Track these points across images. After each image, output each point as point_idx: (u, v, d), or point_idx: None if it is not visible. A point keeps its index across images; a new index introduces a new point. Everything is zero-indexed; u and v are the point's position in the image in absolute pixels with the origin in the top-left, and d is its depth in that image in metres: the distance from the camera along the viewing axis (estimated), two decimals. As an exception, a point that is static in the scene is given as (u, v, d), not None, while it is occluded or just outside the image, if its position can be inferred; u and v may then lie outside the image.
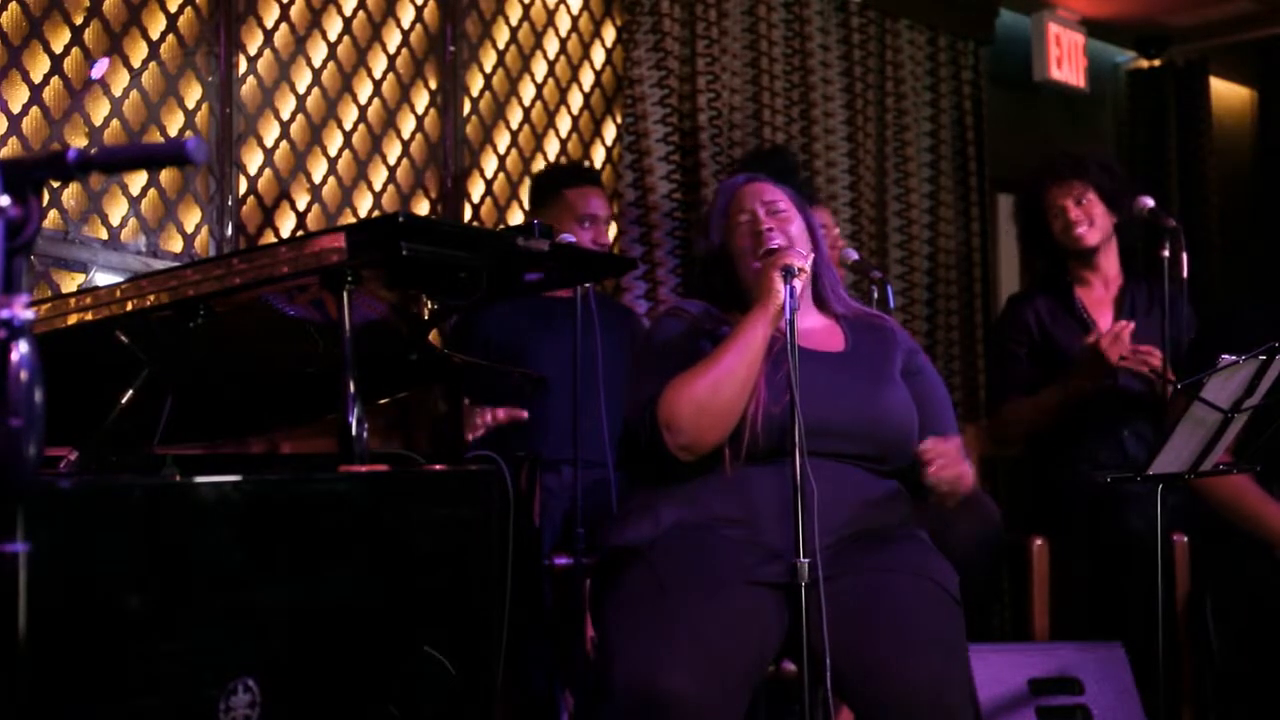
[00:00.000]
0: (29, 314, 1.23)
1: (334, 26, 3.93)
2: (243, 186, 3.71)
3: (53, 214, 3.35)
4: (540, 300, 3.57)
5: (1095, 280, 3.81)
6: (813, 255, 2.61)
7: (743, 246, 2.60)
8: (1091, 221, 3.72)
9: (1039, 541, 3.62)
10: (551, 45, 4.47)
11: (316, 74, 3.87)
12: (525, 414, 3.34)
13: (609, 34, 4.63)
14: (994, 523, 3.34)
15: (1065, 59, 5.95)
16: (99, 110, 3.43)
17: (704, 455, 2.46)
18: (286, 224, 3.81)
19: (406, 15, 4.10)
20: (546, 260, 2.33)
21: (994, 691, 3.06)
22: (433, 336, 3.29)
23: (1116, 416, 3.69)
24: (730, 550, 2.40)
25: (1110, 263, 3.81)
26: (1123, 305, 3.77)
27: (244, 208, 3.72)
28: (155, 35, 3.54)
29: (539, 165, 4.38)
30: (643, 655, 2.24)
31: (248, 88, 3.73)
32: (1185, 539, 3.52)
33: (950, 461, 2.42)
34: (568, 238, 3.28)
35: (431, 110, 4.15)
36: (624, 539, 2.50)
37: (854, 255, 3.84)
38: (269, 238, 3.74)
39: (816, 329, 2.65)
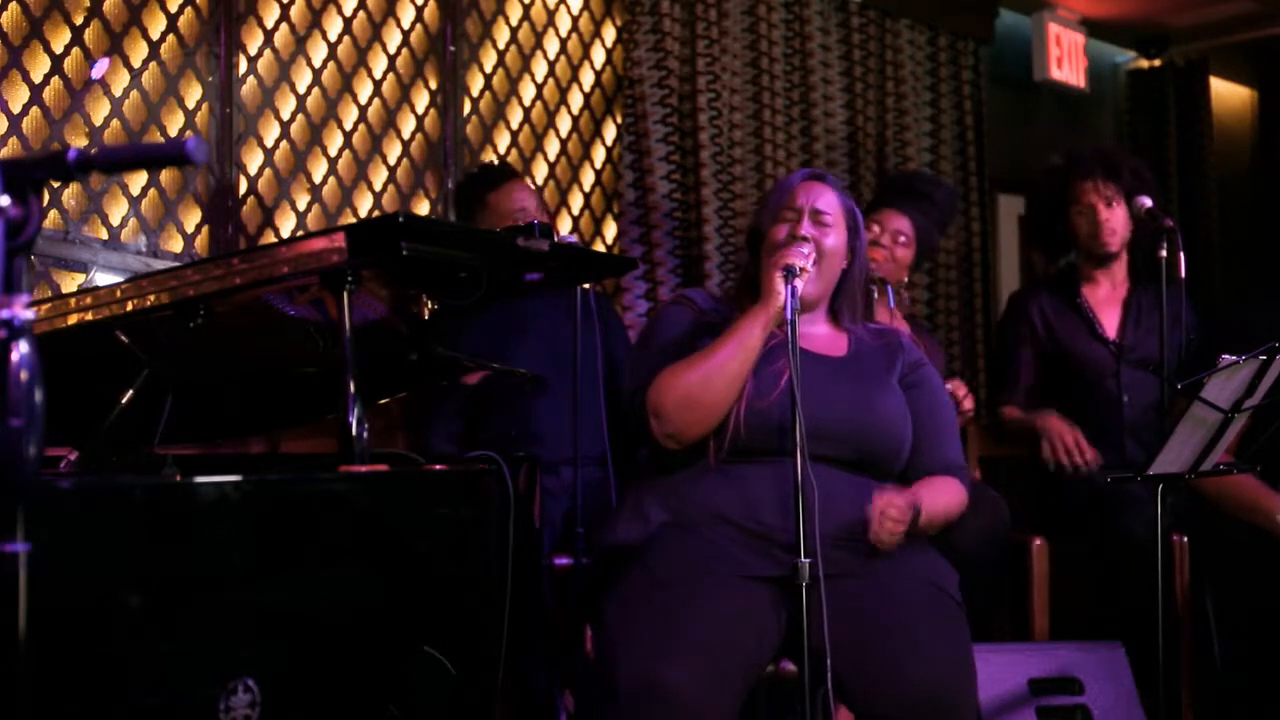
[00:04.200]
0: (29, 314, 1.23)
1: (334, 26, 3.93)
2: (243, 186, 3.71)
3: (53, 214, 3.35)
4: (514, 305, 3.56)
5: (1104, 280, 3.81)
6: (835, 270, 2.60)
7: (774, 242, 2.58)
8: (1116, 229, 3.71)
9: (1039, 542, 3.62)
10: (552, 45, 4.47)
11: (316, 74, 3.87)
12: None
13: (609, 34, 4.63)
14: (1002, 519, 3.34)
15: (1065, 59, 5.95)
16: (99, 110, 3.43)
17: (690, 445, 2.47)
18: (287, 224, 3.81)
19: (406, 15, 4.10)
20: (546, 260, 2.34)
21: (994, 691, 3.05)
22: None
23: (1117, 419, 3.69)
24: (725, 548, 2.40)
25: (1121, 265, 3.81)
26: (1130, 309, 3.76)
27: (244, 208, 3.72)
28: (155, 35, 3.54)
29: (539, 165, 4.39)
30: (642, 652, 2.24)
31: (248, 88, 3.73)
32: (1185, 539, 3.52)
33: (892, 521, 2.39)
34: (569, 238, 3.28)
35: (432, 110, 4.15)
36: (616, 538, 2.51)
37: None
38: (269, 238, 3.74)
39: (820, 334, 2.65)
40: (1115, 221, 3.71)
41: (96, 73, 3.42)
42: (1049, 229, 3.88)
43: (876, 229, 3.74)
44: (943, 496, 2.55)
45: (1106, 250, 3.73)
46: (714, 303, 2.68)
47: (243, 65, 3.71)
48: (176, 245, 3.58)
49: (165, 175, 3.55)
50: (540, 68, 4.43)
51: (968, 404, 3.43)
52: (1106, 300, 3.80)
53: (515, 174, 3.84)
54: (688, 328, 2.60)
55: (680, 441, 2.47)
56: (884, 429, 2.54)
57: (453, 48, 4.19)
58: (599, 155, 4.58)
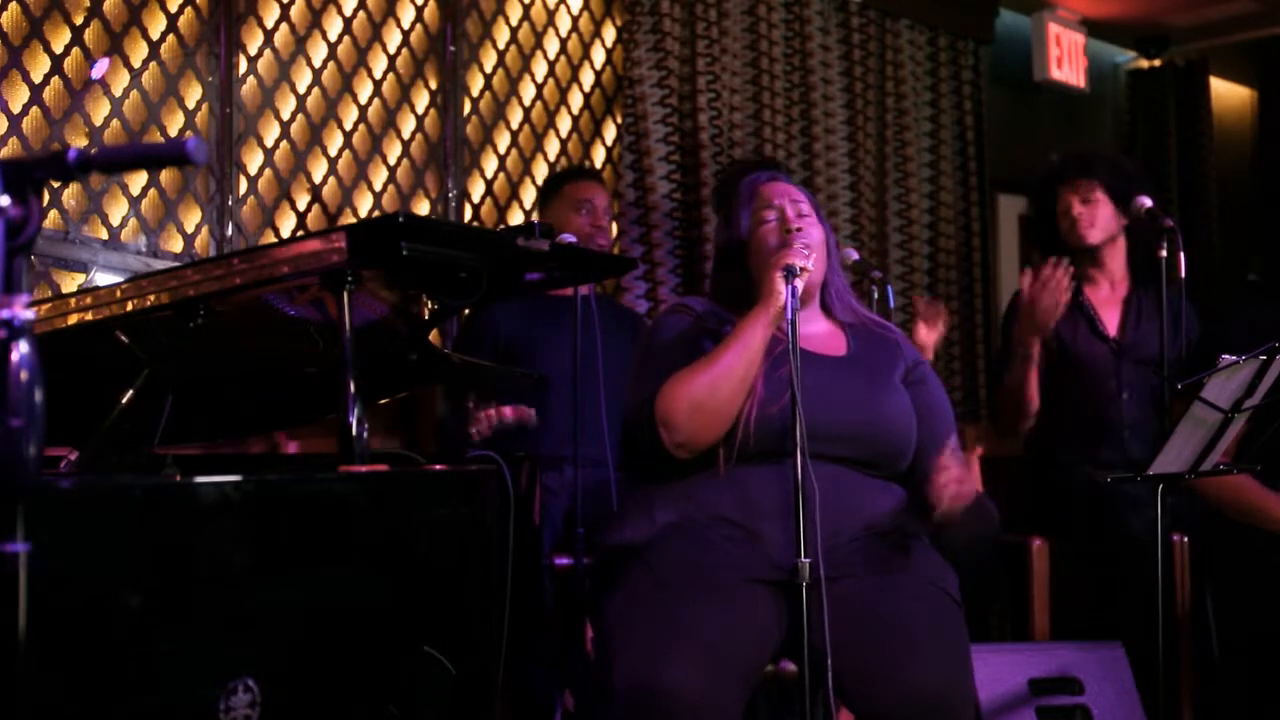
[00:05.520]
0: (29, 314, 1.23)
1: (334, 26, 3.93)
2: (243, 187, 3.72)
3: (53, 214, 3.35)
4: (548, 297, 3.58)
5: (1102, 279, 3.81)
6: (823, 261, 2.60)
7: (767, 245, 2.57)
8: (1094, 221, 3.71)
9: (1039, 542, 3.62)
10: (552, 45, 4.47)
11: (317, 74, 3.87)
12: (533, 413, 3.32)
13: (609, 34, 4.63)
14: (992, 526, 3.34)
15: (1065, 59, 5.95)
16: (99, 110, 3.43)
17: (701, 453, 2.46)
18: (287, 224, 3.81)
19: (407, 15, 4.10)
20: (547, 260, 2.33)
21: (994, 691, 3.06)
22: (432, 336, 3.29)
23: (1117, 417, 3.69)
24: (728, 549, 2.40)
25: (1117, 263, 3.81)
26: (1130, 307, 3.77)
27: (244, 208, 3.72)
28: (155, 35, 3.54)
29: (539, 165, 4.39)
30: (642, 653, 2.24)
31: (248, 88, 3.73)
32: (1185, 539, 3.52)
33: (962, 482, 2.39)
34: (568, 238, 3.29)
35: (432, 110, 4.15)
36: (621, 538, 2.50)
37: (854, 255, 3.84)
38: (269, 238, 3.75)
39: (819, 333, 2.64)
40: (1091, 215, 3.71)
41: (96, 73, 3.42)
42: (1043, 236, 3.90)
43: None
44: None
45: (1084, 243, 3.73)
46: (711, 308, 2.66)
47: (243, 65, 3.71)
48: (176, 245, 3.59)
49: (165, 175, 3.56)
50: (540, 68, 4.43)
51: (939, 317, 3.79)
52: (1107, 299, 3.81)
53: (596, 176, 4.00)
54: (688, 335, 2.59)
55: (691, 450, 2.45)
56: (892, 428, 2.53)
57: (453, 48, 4.19)
58: (599, 155, 4.58)
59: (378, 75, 4.01)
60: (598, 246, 3.71)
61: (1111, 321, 3.77)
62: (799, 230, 2.53)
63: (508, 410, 3.30)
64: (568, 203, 3.80)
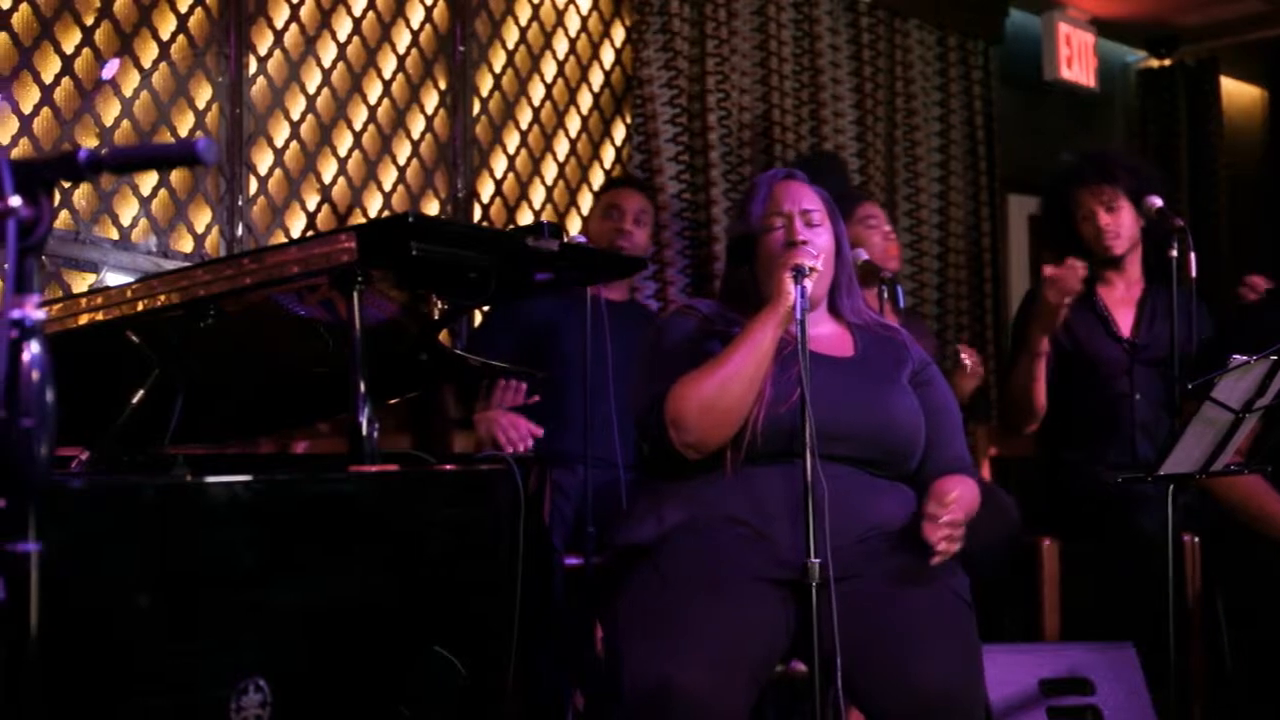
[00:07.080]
0: (40, 314, 1.24)
1: (344, 27, 3.93)
2: (253, 187, 3.72)
3: (64, 214, 3.35)
4: (578, 290, 3.59)
5: (1118, 280, 3.81)
6: (831, 265, 2.60)
7: (771, 251, 2.57)
8: (1120, 231, 3.70)
9: (1049, 542, 3.61)
10: (561, 45, 4.47)
11: (326, 74, 3.88)
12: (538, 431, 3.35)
13: (618, 34, 4.63)
14: (1011, 519, 3.33)
15: (1075, 59, 5.94)
16: (109, 111, 3.44)
17: (710, 453, 2.46)
18: (297, 224, 3.82)
19: (416, 15, 4.11)
20: (556, 260, 2.34)
21: (1005, 692, 3.05)
22: (442, 336, 3.29)
23: (1128, 418, 3.68)
24: (737, 549, 2.40)
25: (1134, 265, 3.80)
26: (1145, 308, 3.76)
27: (254, 208, 3.72)
28: (166, 36, 3.55)
29: (549, 166, 4.39)
30: (651, 653, 2.24)
31: (258, 88, 3.74)
32: (1196, 539, 3.51)
33: (952, 539, 2.35)
34: (579, 238, 3.29)
35: (441, 110, 4.15)
36: (630, 538, 2.50)
37: (863, 255, 3.83)
38: (279, 238, 3.75)
39: (827, 334, 2.64)
40: (1118, 225, 3.70)
41: (107, 73, 3.43)
42: (1058, 236, 3.88)
43: (874, 223, 3.76)
44: (967, 496, 2.52)
45: (1111, 254, 3.73)
46: (718, 309, 2.66)
47: (253, 65, 3.72)
48: (187, 245, 3.59)
49: (175, 175, 3.56)
50: (549, 68, 4.43)
51: (979, 369, 3.58)
52: (1121, 300, 3.80)
53: (631, 181, 4.14)
54: (695, 336, 2.59)
55: (700, 450, 2.46)
56: (900, 428, 2.53)
57: (462, 48, 4.19)
58: (608, 156, 4.58)
59: (387, 75, 4.01)
60: (622, 249, 3.73)
61: (1125, 322, 3.76)
62: (804, 243, 2.52)
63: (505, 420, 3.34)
64: (600, 208, 3.95)
